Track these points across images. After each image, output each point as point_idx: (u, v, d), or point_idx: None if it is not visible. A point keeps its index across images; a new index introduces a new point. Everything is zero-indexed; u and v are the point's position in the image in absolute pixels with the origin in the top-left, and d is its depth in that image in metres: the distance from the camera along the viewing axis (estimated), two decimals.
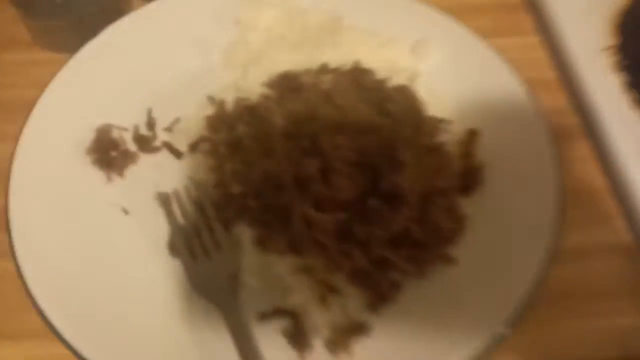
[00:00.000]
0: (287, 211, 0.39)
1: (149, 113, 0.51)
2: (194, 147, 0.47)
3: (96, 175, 0.47)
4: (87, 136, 0.48)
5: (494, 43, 0.56)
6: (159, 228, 0.45)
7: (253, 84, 0.48)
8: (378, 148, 0.39)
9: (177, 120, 0.50)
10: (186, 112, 0.50)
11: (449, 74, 0.53)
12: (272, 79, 0.46)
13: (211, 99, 0.48)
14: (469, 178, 0.46)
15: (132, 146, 0.49)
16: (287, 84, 0.44)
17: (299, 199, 0.38)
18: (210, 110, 0.48)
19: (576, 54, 0.58)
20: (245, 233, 0.42)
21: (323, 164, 0.39)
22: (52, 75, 0.51)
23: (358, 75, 0.45)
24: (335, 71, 0.45)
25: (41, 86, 0.50)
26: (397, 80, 0.47)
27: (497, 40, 0.58)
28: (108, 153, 0.48)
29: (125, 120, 0.50)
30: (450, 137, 0.47)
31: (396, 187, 0.39)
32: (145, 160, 0.48)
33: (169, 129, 0.50)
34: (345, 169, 0.39)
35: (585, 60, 0.57)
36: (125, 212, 0.46)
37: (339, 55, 0.51)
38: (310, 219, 0.38)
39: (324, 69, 0.46)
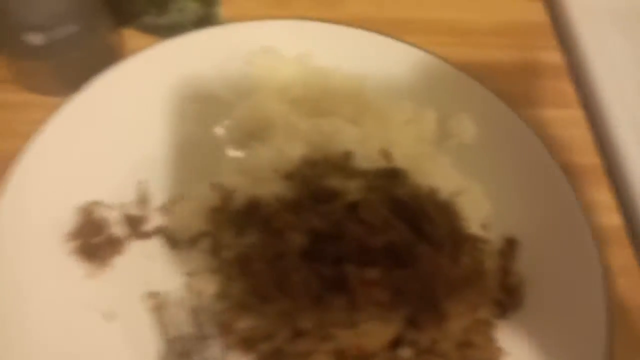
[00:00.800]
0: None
1: (142, 186, 0.44)
2: (193, 241, 0.40)
3: (75, 267, 0.40)
4: (67, 216, 0.41)
5: (529, 115, 0.50)
6: (149, 340, 0.38)
7: (264, 168, 0.42)
8: (414, 288, 0.33)
9: (174, 200, 0.43)
10: (186, 189, 0.44)
11: (478, 159, 0.47)
12: (290, 172, 0.39)
13: (215, 187, 0.41)
14: (507, 299, 0.40)
15: (119, 230, 0.42)
16: (307, 188, 0.37)
17: (319, 347, 0.32)
18: (214, 198, 0.41)
19: (625, 139, 0.52)
20: None
21: (349, 303, 0.33)
22: (32, 123, 0.44)
23: (391, 184, 0.38)
24: (365, 176, 0.39)
25: (19, 136, 0.43)
26: (430, 181, 0.40)
27: (533, 112, 0.53)
28: (91, 240, 0.41)
29: (113, 194, 0.43)
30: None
31: (434, 341, 0.33)
32: (135, 249, 0.42)
33: (164, 209, 0.43)
34: (376, 312, 0.33)
35: (636, 147, 0.51)
36: (109, 316, 0.39)
37: (363, 134, 0.45)
38: None
39: (349, 170, 0.39)
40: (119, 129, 0.45)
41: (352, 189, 0.37)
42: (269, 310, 0.33)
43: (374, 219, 0.35)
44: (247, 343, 0.34)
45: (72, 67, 0.48)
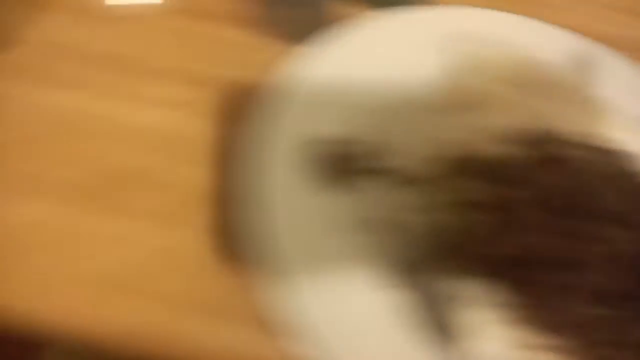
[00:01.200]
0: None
1: (379, 129, 0.48)
2: (416, 181, 0.45)
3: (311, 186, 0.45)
4: (312, 144, 0.47)
5: None
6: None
7: (482, 132, 0.47)
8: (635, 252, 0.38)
9: (404, 144, 0.48)
10: (413, 136, 0.48)
11: None
12: (527, 136, 0.44)
13: (433, 141, 0.46)
14: None
15: (359, 163, 0.47)
16: (530, 153, 0.43)
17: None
18: (432, 148, 0.46)
19: None
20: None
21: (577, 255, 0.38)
22: (271, 62, 0.51)
23: (613, 160, 0.43)
24: (589, 148, 0.44)
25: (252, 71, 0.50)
26: None
27: None
28: (337, 167, 0.46)
29: (352, 130, 0.48)
30: None
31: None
32: (362, 184, 0.47)
33: (397, 151, 0.47)
34: (598, 265, 0.38)
35: None
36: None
37: (570, 115, 0.50)
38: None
39: (566, 142, 0.44)
40: (361, 72, 0.51)
41: (576, 158, 0.42)
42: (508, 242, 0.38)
43: (604, 188, 0.40)
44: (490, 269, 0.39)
45: (302, 20, 0.54)
